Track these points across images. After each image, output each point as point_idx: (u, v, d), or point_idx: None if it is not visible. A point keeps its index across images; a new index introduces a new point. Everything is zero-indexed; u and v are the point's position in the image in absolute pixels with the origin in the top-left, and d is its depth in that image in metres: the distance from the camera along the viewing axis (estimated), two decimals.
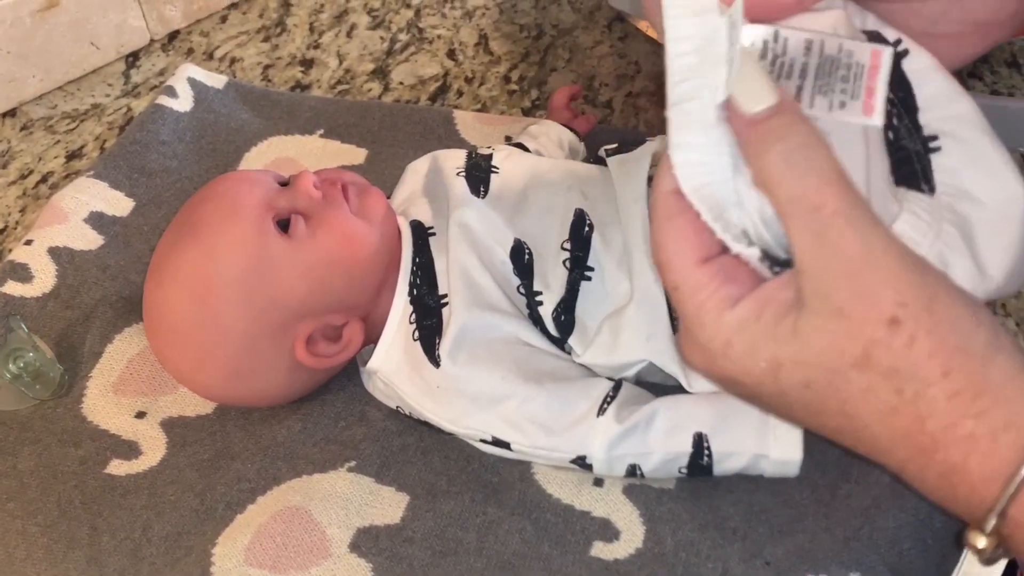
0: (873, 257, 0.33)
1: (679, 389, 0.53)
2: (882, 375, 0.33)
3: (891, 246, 0.33)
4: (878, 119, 0.37)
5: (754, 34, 0.36)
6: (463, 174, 0.59)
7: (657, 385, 0.55)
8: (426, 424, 0.55)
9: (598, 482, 0.54)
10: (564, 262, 0.55)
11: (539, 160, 0.62)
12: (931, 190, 0.42)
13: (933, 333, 0.33)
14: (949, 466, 0.33)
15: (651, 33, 0.89)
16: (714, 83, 0.35)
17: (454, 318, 0.53)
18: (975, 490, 0.33)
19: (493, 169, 0.60)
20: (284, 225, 0.55)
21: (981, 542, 0.34)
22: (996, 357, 0.33)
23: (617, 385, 0.53)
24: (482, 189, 0.58)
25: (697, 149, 0.36)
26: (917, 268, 0.34)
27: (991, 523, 0.33)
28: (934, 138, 0.42)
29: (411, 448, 0.56)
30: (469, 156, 0.62)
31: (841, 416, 0.35)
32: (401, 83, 0.85)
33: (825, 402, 0.35)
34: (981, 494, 0.33)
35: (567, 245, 0.56)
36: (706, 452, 0.51)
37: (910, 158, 0.40)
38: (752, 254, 0.36)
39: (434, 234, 0.57)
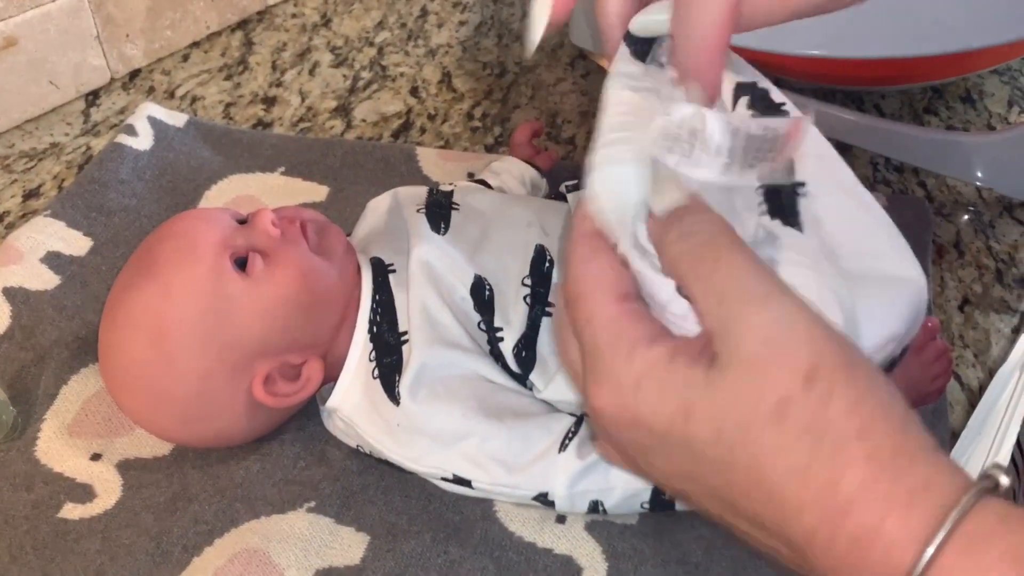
0: (792, 319, 0.32)
1: None
2: (796, 433, 0.31)
3: (809, 312, 0.33)
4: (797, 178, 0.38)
5: (683, 114, 0.37)
6: (423, 211, 0.59)
7: None
8: (387, 463, 0.55)
9: (560, 519, 0.53)
10: (525, 298, 0.55)
11: (500, 196, 0.63)
12: (799, 228, 0.39)
13: (851, 392, 0.31)
14: (863, 530, 0.30)
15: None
16: (644, 138, 0.37)
17: (414, 355, 0.53)
18: (889, 556, 0.30)
19: (454, 206, 0.60)
20: (242, 263, 0.54)
21: None
22: (912, 427, 0.32)
23: (579, 421, 0.53)
24: (443, 225, 0.58)
25: (620, 181, 0.37)
26: (832, 331, 0.33)
27: None
28: (802, 184, 0.39)
29: (371, 487, 0.55)
30: (430, 193, 0.62)
31: (751, 472, 0.32)
32: (364, 120, 0.85)
33: (735, 456, 0.32)
34: (896, 560, 0.30)
35: (528, 281, 0.56)
36: None
37: (779, 193, 0.39)
38: (668, 286, 0.36)
39: (394, 271, 0.57)
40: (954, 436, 0.58)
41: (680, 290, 0.35)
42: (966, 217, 0.73)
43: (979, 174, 0.74)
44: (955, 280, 0.68)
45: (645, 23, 0.40)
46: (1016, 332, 0.65)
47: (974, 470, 0.57)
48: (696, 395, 0.33)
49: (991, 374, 0.62)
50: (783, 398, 0.31)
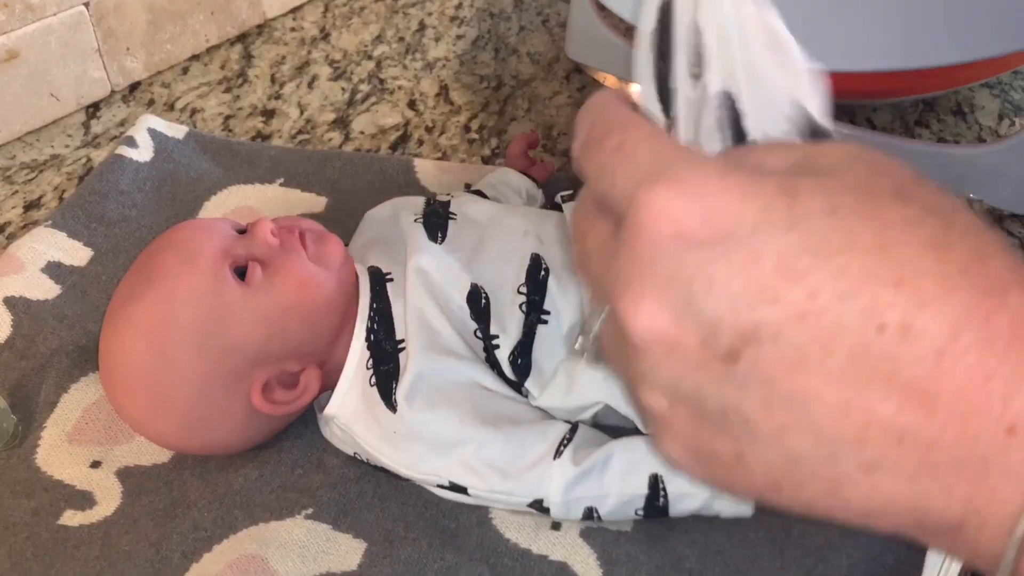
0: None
1: (636, 432, 0.54)
2: (922, 207, 0.25)
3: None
4: None
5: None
6: (421, 220, 0.60)
7: (615, 428, 0.56)
8: (383, 470, 0.55)
9: (555, 526, 0.54)
10: (520, 306, 0.56)
11: (496, 206, 0.63)
12: None
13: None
14: None
15: (609, 83, 0.91)
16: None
17: (411, 363, 0.54)
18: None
19: (451, 215, 0.61)
20: (242, 272, 0.55)
21: None
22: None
23: (574, 428, 0.54)
24: (440, 235, 0.59)
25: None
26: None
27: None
28: None
29: (368, 494, 0.56)
30: (428, 203, 0.62)
31: (879, 241, 0.25)
32: (362, 132, 0.86)
33: (855, 233, 0.25)
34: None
35: (523, 289, 0.56)
36: (662, 493, 0.51)
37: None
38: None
39: (392, 280, 0.58)
40: None
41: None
42: None
43: (970, 187, 0.75)
44: None
45: None
46: None
47: None
48: (803, 183, 0.25)
49: None
50: (899, 184, 0.26)
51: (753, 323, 0.24)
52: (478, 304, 0.56)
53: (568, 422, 0.54)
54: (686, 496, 0.51)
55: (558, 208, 0.62)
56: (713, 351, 0.25)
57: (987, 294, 0.23)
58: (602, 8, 0.80)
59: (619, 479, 0.51)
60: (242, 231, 0.58)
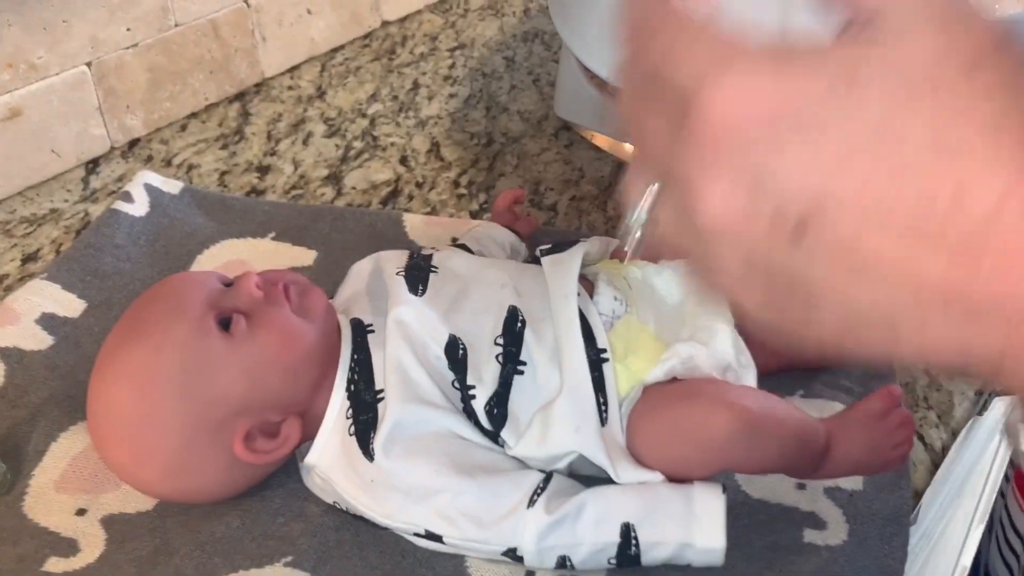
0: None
1: (610, 481, 0.55)
2: (992, 87, 0.26)
3: None
4: None
5: None
6: (403, 273, 0.61)
7: (589, 477, 0.57)
8: (363, 519, 0.56)
9: (530, 574, 0.55)
10: (497, 357, 0.57)
11: (477, 259, 0.65)
12: None
13: None
14: None
15: (596, 141, 0.93)
16: None
17: (388, 412, 0.55)
18: None
19: (432, 268, 0.62)
20: (226, 324, 0.56)
21: None
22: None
23: (548, 477, 0.55)
24: (420, 287, 0.61)
25: None
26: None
27: None
28: None
29: (347, 543, 0.57)
30: (411, 256, 0.64)
31: (935, 130, 0.26)
32: (354, 188, 0.88)
33: (913, 113, 0.26)
34: None
35: (500, 340, 0.58)
36: (633, 542, 0.52)
37: None
38: None
39: (373, 331, 0.59)
40: (916, 495, 0.60)
41: None
42: None
43: None
44: None
45: None
46: (979, 394, 0.67)
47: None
48: (869, 55, 0.27)
49: (954, 435, 0.64)
50: (974, 58, 0.27)
51: (818, 199, 0.27)
52: (456, 355, 0.57)
53: (543, 471, 0.55)
54: (657, 544, 0.52)
55: (538, 262, 0.63)
56: (782, 227, 0.27)
57: None
58: (588, 69, 0.82)
59: (592, 528, 0.52)
60: (228, 284, 0.60)
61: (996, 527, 0.71)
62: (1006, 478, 0.68)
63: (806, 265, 0.28)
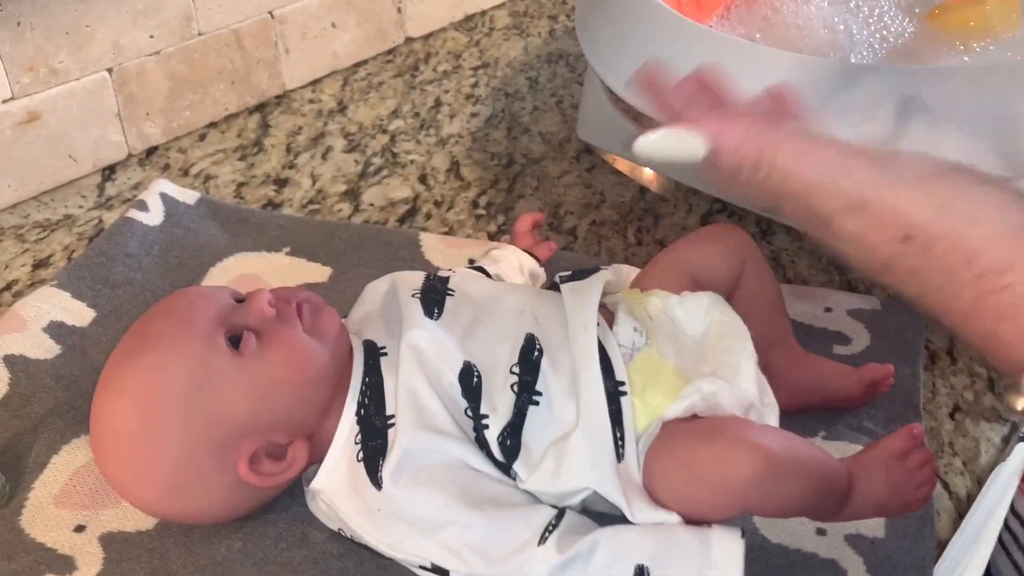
0: (867, 194, 0.42)
1: (623, 520, 0.53)
2: (906, 274, 0.40)
3: (890, 177, 0.42)
4: None
5: None
6: (418, 296, 0.60)
7: (603, 515, 0.55)
8: (367, 548, 0.55)
9: None
10: (512, 386, 0.56)
11: (495, 284, 0.64)
12: None
13: (948, 236, 0.39)
14: (984, 333, 0.38)
15: (618, 165, 0.92)
16: None
17: (398, 440, 0.53)
18: (1011, 352, 0.37)
19: (449, 291, 0.61)
20: (236, 341, 0.55)
21: (1020, 403, 0.38)
22: None
23: (560, 513, 0.53)
24: (436, 311, 0.59)
25: None
26: (921, 184, 0.41)
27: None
28: None
29: (350, 572, 0.55)
30: (427, 278, 0.63)
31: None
32: (371, 204, 0.87)
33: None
34: (1017, 356, 0.37)
35: (516, 369, 0.56)
36: None
37: None
38: None
39: (386, 354, 0.58)
40: (940, 545, 0.58)
41: None
42: None
43: None
44: (947, 387, 0.68)
45: None
46: (1006, 442, 0.65)
47: None
48: (828, 238, 0.46)
49: (980, 483, 0.62)
50: (888, 255, 0.42)
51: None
52: (469, 382, 0.56)
53: (555, 507, 0.53)
54: None
55: (556, 288, 0.62)
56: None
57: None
58: (613, 92, 0.81)
59: (604, 569, 0.50)
60: (241, 300, 0.58)
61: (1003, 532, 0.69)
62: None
63: None
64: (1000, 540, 0.69)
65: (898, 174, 0.41)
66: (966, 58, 0.81)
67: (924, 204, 0.40)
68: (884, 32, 0.83)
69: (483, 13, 1.19)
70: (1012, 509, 0.68)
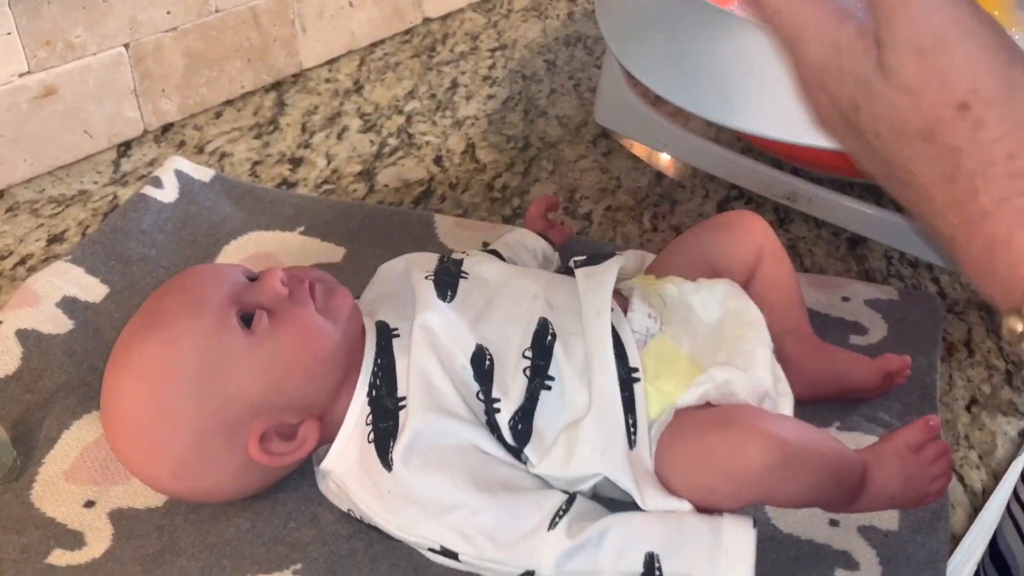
0: (950, 40, 0.35)
1: (635, 506, 0.53)
2: (944, 150, 0.35)
3: (976, 30, 0.36)
4: None
5: None
6: (432, 278, 0.60)
7: (614, 501, 0.54)
8: (377, 529, 0.54)
9: None
10: (524, 370, 0.55)
11: (509, 268, 0.63)
12: None
13: (1005, 121, 0.34)
14: (994, 238, 0.34)
15: (635, 150, 0.91)
16: None
17: (410, 422, 0.53)
18: (1016, 267, 0.34)
19: (462, 274, 0.61)
20: (248, 320, 0.55)
21: (1020, 326, 0.34)
22: None
23: (571, 499, 0.52)
24: (449, 293, 0.59)
25: None
26: (1001, 57, 0.35)
27: None
28: None
29: (359, 553, 0.55)
30: (440, 260, 0.62)
31: (904, 171, 0.37)
32: (386, 185, 0.87)
33: (891, 155, 0.37)
34: (1021, 271, 0.34)
35: (528, 353, 0.56)
36: (657, 573, 0.50)
37: None
38: None
39: (398, 336, 0.57)
40: (955, 539, 0.57)
41: None
42: (987, 317, 0.73)
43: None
44: (964, 379, 0.68)
45: None
46: (1023, 436, 0.64)
47: None
48: (862, 93, 0.37)
49: (996, 477, 0.61)
50: (936, 119, 0.35)
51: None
52: (482, 365, 0.55)
53: (566, 492, 0.53)
54: None
55: (571, 273, 0.61)
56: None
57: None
58: (632, 76, 0.80)
59: (614, 556, 0.50)
60: (253, 278, 0.58)
61: (1014, 506, 0.68)
62: None
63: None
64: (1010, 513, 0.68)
65: (996, 40, 0.36)
66: None
67: (999, 77, 0.35)
68: None
69: None
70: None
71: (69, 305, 0.69)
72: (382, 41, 1.08)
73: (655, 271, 0.63)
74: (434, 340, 0.55)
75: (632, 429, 0.53)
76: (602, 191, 0.86)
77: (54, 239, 0.79)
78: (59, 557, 0.55)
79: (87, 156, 0.88)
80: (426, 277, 0.60)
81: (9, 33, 0.79)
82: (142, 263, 0.73)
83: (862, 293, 0.73)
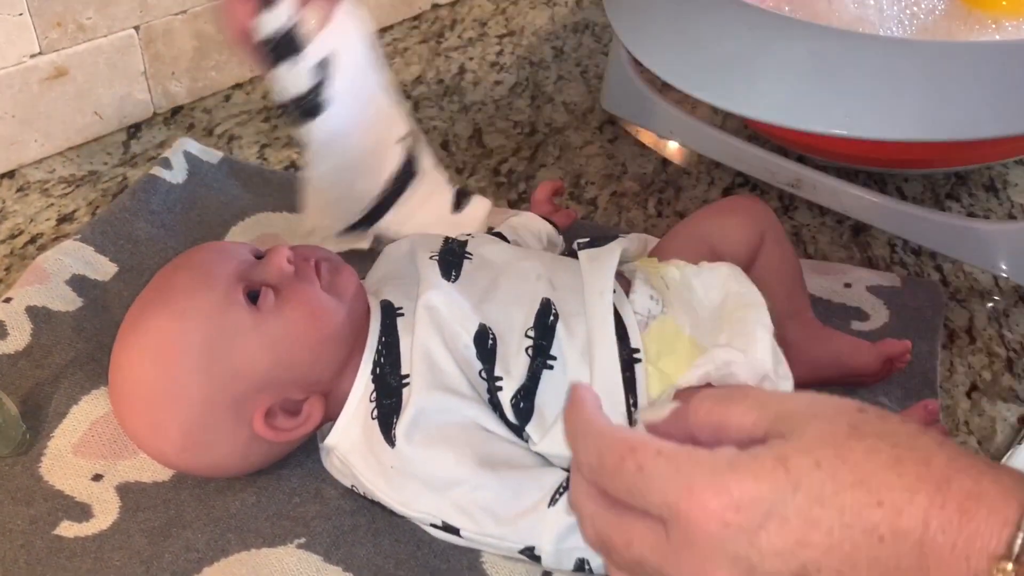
0: (818, 400, 0.37)
1: None
2: (875, 437, 0.35)
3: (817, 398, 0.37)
4: None
5: None
6: (436, 258, 0.60)
7: None
8: (380, 505, 0.55)
9: (547, 575, 0.53)
10: (527, 349, 0.56)
11: (513, 249, 0.64)
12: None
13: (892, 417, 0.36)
14: (966, 493, 0.33)
15: (641, 137, 0.92)
16: None
17: (413, 399, 0.54)
18: (993, 512, 0.33)
19: (467, 255, 0.61)
20: (255, 297, 0.55)
21: None
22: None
23: None
24: (453, 273, 0.59)
25: None
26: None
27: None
28: None
29: (362, 528, 0.56)
30: (445, 241, 0.63)
31: (857, 482, 0.35)
32: None
33: (839, 477, 0.35)
34: (1002, 514, 0.33)
35: (531, 333, 0.56)
36: None
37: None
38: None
39: (402, 315, 0.58)
40: None
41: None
42: (990, 305, 0.73)
43: (1001, 264, 0.74)
44: (964, 366, 0.68)
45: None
46: (1022, 422, 0.64)
47: None
48: (786, 449, 0.35)
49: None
50: (850, 423, 0.35)
51: (800, 566, 0.34)
52: (485, 344, 0.56)
53: (566, 470, 0.54)
54: None
55: (574, 255, 0.61)
56: None
57: (938, 488, 0.33)
58: (639, 63, 0.81)
59: None
60: (260, 256, 0.59)
61: None
62: None
63: None
64: None
65: None
66: (998, 36, 0.80)
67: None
68: (915, 8, 0.82)
69: None
70: None
71: (78, 283, 0.70)
72: (391, 26, 1.08)
73: (658, 254, 0.63)
74: (438, 319, 0.56)
75: (632, 409, 0.54)
76: (608, 177, 0.87)
77: (64, 219, 0.80)
78: (67, 529, 0.56)
79: (97, 137, 0.88)
80: (431, 257, 0.60)
81: (21, 14, 0.80)
82: (150, 243, 0.74)
83: (864, 279, 0.73)
